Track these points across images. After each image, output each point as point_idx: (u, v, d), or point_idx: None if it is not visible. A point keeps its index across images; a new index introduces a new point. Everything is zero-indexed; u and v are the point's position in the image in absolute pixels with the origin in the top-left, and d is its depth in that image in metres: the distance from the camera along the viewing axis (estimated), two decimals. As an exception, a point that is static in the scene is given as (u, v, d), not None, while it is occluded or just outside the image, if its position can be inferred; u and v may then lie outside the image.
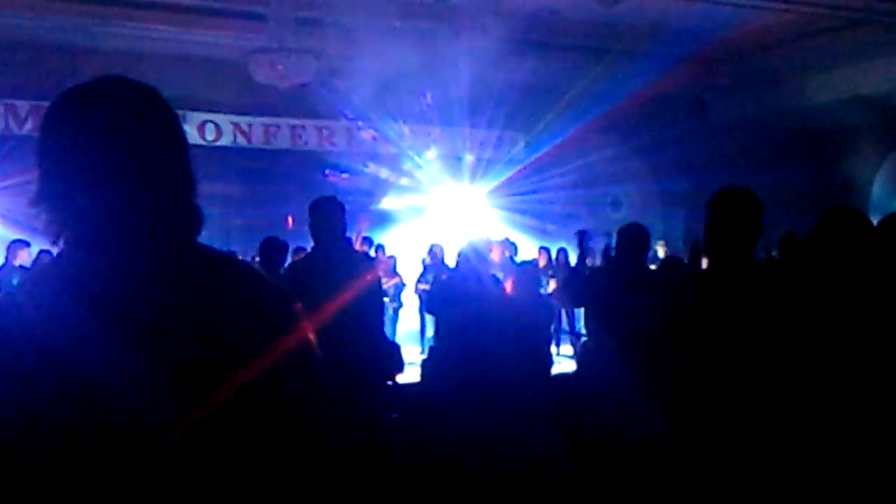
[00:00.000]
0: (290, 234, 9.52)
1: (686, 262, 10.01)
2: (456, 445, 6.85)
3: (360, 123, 17.30)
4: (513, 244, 15.55)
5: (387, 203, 18.27)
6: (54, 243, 1.70)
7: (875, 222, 4.56)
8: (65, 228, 1.68)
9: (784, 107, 17.12)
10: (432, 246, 15.17)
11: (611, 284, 6.73)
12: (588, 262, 8.43)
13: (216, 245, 1.81)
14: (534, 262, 12.66)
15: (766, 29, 15.01)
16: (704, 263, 9.27)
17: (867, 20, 14.26)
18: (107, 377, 1.58)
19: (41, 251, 11.96)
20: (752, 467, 3.81)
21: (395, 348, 8.21)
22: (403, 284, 15.29)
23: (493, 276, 8.46)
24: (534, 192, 18.20)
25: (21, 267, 12.19)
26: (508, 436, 6.89)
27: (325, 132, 17.90)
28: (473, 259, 7.80)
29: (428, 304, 9.83)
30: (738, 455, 3.86)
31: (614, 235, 7.18)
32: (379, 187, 18.12)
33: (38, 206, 1.70)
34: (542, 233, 17.92)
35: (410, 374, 9.17)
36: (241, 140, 17.25)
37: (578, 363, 8.11)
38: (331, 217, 6.11)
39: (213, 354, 1.63)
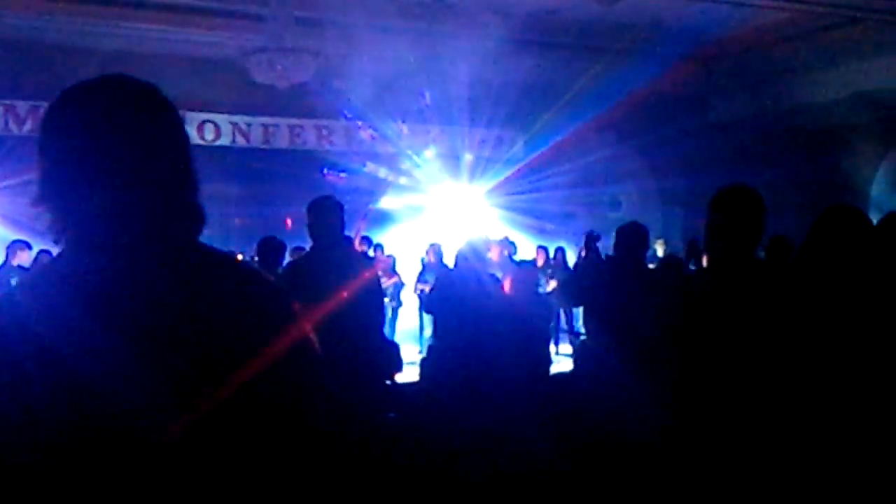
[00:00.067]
0: (289, 234, 9.51)
1: (685, 260, 10.02)
2: (455, 445, 6.85)
3: (358, 123, 17.30)
4: (512, 243, 15.55)
5: (386, 202, 18.26)
6: (56, 243, 1.70)
7: (874, 220, 4.55)
8: (65, 228, 1.68)
9: (783, 105, 17.12)
10: (431, 245, 15.17)
11: (609, 283, 6.73)
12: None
13: (215, 245, 1.81)
14: (532, 262, 12.68)
15: (765, 27, 15.01)
16: (704, 261, 9.28)
17: (866, 18, 14.27)
18: (105, 377, 1.58)
19: (41, 251, 11.95)
20: (751, 467, 3.81)
21: (394, 348, 8.22)
22: (402, 283, 15.29)
23: (492, 275, 8.47)
24: (533, 191, 18.18)
25: (20, 267, 12.19)
26: (507, 435, 6.89)
27: (324, 132, 17.90)
28: (472, 258, 7.80)
29: (426, 303, 9.83)
30: (738, 455, 3.86)
31: (612, 235, 7.17)
32: (378, 187, 18.11)
33: (40, 206, 1.70)
34: (540, 232, 17.92)
35: (409, 374, 9.18)
36: (240, 140, 17.26)
37: (575, 362, 8.11)
38: (329, 216, 6.12)
39: (212, 354, 1.63)
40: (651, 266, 9.89)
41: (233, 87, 15.33)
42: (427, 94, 16.38)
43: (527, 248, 16.38)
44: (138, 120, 1.69)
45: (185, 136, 1.80)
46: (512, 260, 13.59)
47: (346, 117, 17.05)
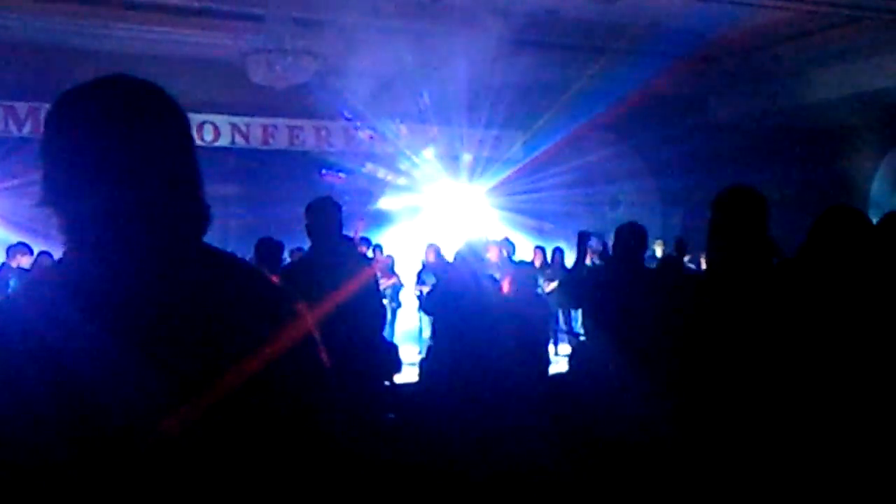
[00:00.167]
0: (288, 235, 9.50)
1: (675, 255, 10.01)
2: (454, 445, 6.84)
3: (357, 123, 17.29)
4: (511, 243, 15.55)
5: (384, 203, 18.26)
6: (62, 244, 1.70)
7: (874, 220, 4.55)
8: (70, 229, 1.68)
9: (783, 105, 17.11)
10: (430, 245, 15.17)
11: (608, 284, 6.73)
12: (588, 261, 8.42)
13: (213, 245, 1.81)
14: (531, 262, 12.67)
15: (764, 27, 15.00)
16: (687, 259, 9.26)
17: (865, 17, 14.27)
18: (107, 379, 1.57)
19: (41, 252, 11.96)
20: (751, 467, 3.81)
21: (393, 348, 8.22)
22: (401, 284, 15.28)
23: (490, 275, 8.47)
24: (532, 191, 18.18)
25: (20, 268, 12.19)
26: (507, 436, 6.88)
27: (323, 132, 17.90)
28: (471, 259, 7.80)
29: (425, 304, 9.83)
30: (737, 455, 3.85)
31: (612, 235, 7.17)
32: (376, 187, 18.11)
33: (44, 207, 1.69)
34: (540, 232, 17.91)
35: (409, 374, 9.17)
36: (240, 140, 17.26)
37: (570, 363, 8.10)
38: (327, 217, 6.12)
39: (216, 355, 1.62)
40: (650, 267, 9.90)
41: (232, 88, 15.33)
42: (426, 95, 16.37)
43: (526, 249, 16.37)
44: (144, 120, 1.69)
45: (191, 136, 1.79)
46: (511, 260, 13.58)
47: (345, 118, 17.05)
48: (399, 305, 15.14)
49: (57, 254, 1.74)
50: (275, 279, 1.83)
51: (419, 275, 14.96)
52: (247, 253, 8.46)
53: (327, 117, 17.17)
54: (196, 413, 1.59)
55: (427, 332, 13.27)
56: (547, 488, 6.18)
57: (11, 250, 12.62)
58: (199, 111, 15.40)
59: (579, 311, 10.00)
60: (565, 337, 14.21)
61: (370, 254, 14.19)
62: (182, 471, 1.60)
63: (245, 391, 1.62)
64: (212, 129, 16.64)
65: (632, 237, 6.78)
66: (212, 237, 1.77)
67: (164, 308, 1.64)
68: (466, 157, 18.70)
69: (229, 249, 1.83)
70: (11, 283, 11.75)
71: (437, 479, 6.49)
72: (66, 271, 1.70)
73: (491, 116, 17.09)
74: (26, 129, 15.20)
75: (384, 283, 13.03)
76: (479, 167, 18.72)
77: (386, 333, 10.24)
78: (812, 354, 3.81)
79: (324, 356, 1.77)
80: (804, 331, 3.86)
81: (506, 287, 8.47)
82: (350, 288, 5.71)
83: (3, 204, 14.51)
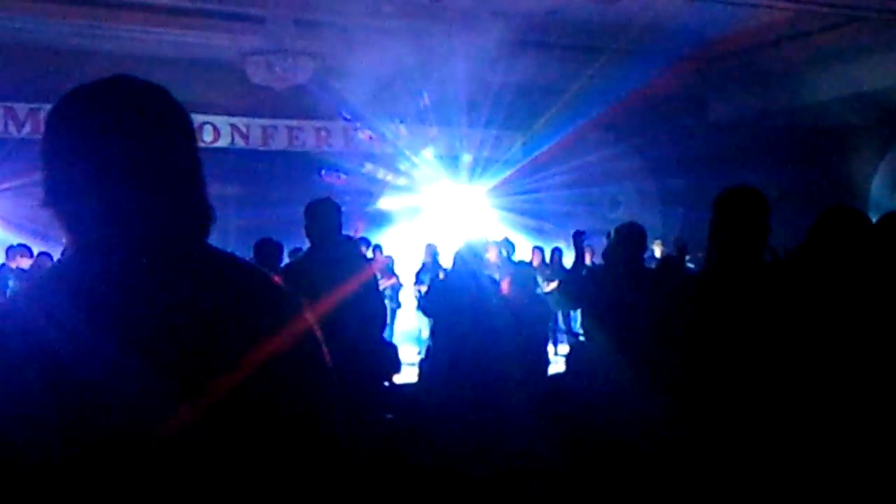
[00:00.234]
0: (287, 235, 9.51)
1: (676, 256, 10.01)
2: (453, 446, 6.84)
3: (357, 124, 17.30)
4: (511, 244, 15.54)
5: (384, 203, 18.26)
6: (65, 245, 1.70)
7: (874, 220, 4.55)
8: (71, 230, 1.68)
9: (782, 105, 17.12)
10: (427, 246, 15.18)
11: (607, 284, 6.72)
12: (588, 261, 8.43)
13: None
14: (529, 262, 12.66)
15: (764, 27, 15.01)
16: (687, 259, 9.25)
17: (864, 17, 14.27)
18: (107, 380, 1.57)
19: (41, 253, 11.96)
20: (749, 467, 3.81)
21: (392, 349, 8.21)
22: (401, 284, 15.28)
23: (490, 276, 8.47)
24: (532, 191, 18.19)
25: (19, 269, 12.20)
26: (506, 436, 6.88)
27: (323, 133, 17.90)
28: (470, 260, 7.80)
29: (423, 305, 9.83)
30: (736, 455, 3.85)
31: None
32: (376, 187, 18.11)
33: (46, 208, 1.69)
34: (539, 232, 17.91)
35: (408, 375, 9.17)
36: (239, 141, 17.26)
37: (568, 362, 8.10)
38: (326, 218, 6.12)
39: (217, 355, 1.62)
40: (650, 267, 9.89)
41: (231, 89, 15.34)
42: (425, 95, 16.37)
43: (526, 249, 16.38)
44: (146, 121, 1.68)
45: (194, 137, 1.79)
46: (510, 260, 13.58)
47: (344, 118, 17.05)
48: (398, 306, 15.13)
49: (56, 254, 1.74)
50: (277, 279, 1.82)
51: (417, 275, 14.96)
52: (246, 253, 8.46)
53: (327, 118, 17.19)
54: (197, 413, 1.59)
55: (425, 333, 13.27)
56: (546, 489, 6.18)
57: (11, 251, 12.63)
58: (198, 112, 15.37)
59: (578, 312, 10.00)
60: (565, 337, 14.22)
61: (370, 254, 14.18)
62: (183, 471, 1.60)
63: (246, 391, 1.62)
64: (211, 130, 16.64)
65: (631, 237, 6.78)
66: (211, 238, 1.77)
67: (165, 308, 1.64)
68: (466, 158, 18.70)
69: (229, 250, 1.83)
70: (10, 283, 11.76)
71: (436, 480, 6.49)
72: (67, 272, 1.70)
73: (490, 117, 17.09)
74: (26, 130, 15.20)
75: (384, 284, 13.02)
76: (479, 167, 18.73)
77: (385, 334, 10.26)
78: (812, 354, 3.81)
79: (326, 355, 1.77)
80: (804, 331, 3.86)
81: (505, 287, 8.47)
82: (348, 288, 5.71)
83: (2, 205, 14.51)
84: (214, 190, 1.79)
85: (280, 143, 17.64)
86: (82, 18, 13.42)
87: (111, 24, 13.62)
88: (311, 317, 1.77)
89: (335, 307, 5.16)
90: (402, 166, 18.16)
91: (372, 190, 17.95)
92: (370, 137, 17.63)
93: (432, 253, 14.92)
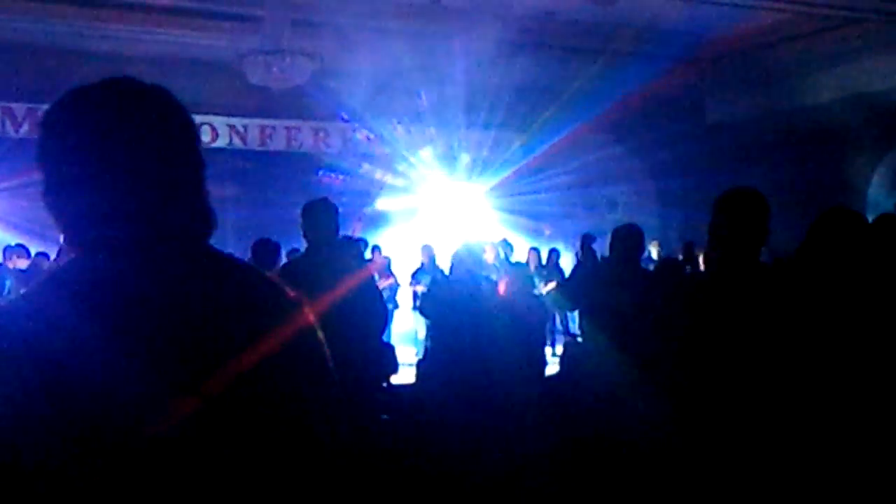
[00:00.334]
0: (285, 236, 9.51)
1: (682, 262, 10.03)
2: (450, 447, 6.84)
3: (355, 125, 17.30)
4: (509, 245, 15.54)
5: (382, 204, 18.27)
6: (62, 245, 1.69)
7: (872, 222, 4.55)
8: (69, 231, 1.67)
9: (780, 106, 17.11)
10: (424, 247, 15.18)
11: (605, 285, 6.73)
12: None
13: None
14: (526, 264, 12.65)
15: (762, 29, 15.02)
16: (701, 263, 9.24)
17: (864, 19, 14.27)
18: (106, 381, 1.57)
19: (38, 253, 11.96)
20: (747, 468, 3.81)
21: (390, 350, 8.21)
22: (398, 285, 15.28)
23: (487, 277, 8.47)
24: (530, 192, 18.20)
25: (17, 270, 12.19)
26: (503, 437, 6.88)
27: (321, 133, 17.90)
28: (468, 261, 7.79)
29: (421, 306, 9.83)
30: (735, 456, 3.85)
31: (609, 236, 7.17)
32: (374, 188, 18.12)
33: (45, 210, 1.68)
34: (538, 233, 17.92)
35: (406, 376, 9.17)
36: (237, 142, 17.26)
37: (562, 363, 8.11)
38: (323, 218, 6.11)
39: (217, 356, 1.62)
40: (647, 268, 9.90)
41: (229, 90, 15.34)
42: (423, 96, 16.38)
43: (524, 250, 16.38)
44: (148, 121, 1.68)
45: (195, 138, 1.79)
46: (508, 261, 13.58)
47: (342, 119, 17.06)
48: (396, 306, 15.13)
49: (53, 254, 1.74)
50: (276, 279, 1.82)
51: (414, 275, 14.96)
52: (244, 254, 8.45)
53: (325, 118, 17.20)
54: (197, 413, 1.59)
55: (422, 334, 13.27)
56: (543, 489, 6.18)
57: (8, 251, 12.62)
58: (196, 112, 15.19)
59: (576, 313, 10.00)
60: (562, 338, 14.22)
61: (368, 254, 14.18)
62: (183, 470, 1.60)
63: (246, 390, 1.62)
64: (209, 131, 16.64)
65: (629, 239, 6.78)
66: (209, 238, 1.77)
67: (165, 309, 1.64)
68: (464, 158, 18.71)
69: (226, 250, 1.83)
70: (8, 283, 11.75)
71: (432, 481, 6.48)
72: (67, 273, 1.70)
73: (489, 117, 17.10)
74: (24, 130, 15.21)
75: (381, 284, 13.02)
76: (477, 168, 18.73)
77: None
78: (810, 355, 3.81)
79: (327, 355, 1.76)
80: (802, 332, 3.86)
81: (502, 288, 8.47)
82: (345, 289, 5.70)
83: (0, 205, 14.52)
84: (212, 190, 1.78)
85: (278, 143, 17.65)
86: (80, 19, 13.41)
87: (109, 25, 13.62)
88: (311, 316, 1.76)
89: (332, 307, 5.15)
90: (400, 167, 18.16)
91: (370, 190, 17.96)
92: (368, 138, 17.64)
93: (429, 254, 14.92)
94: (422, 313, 10.43)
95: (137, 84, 1.72)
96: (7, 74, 14.48)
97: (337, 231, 6.25)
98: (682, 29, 14.27)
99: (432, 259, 14.64)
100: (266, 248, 8.30)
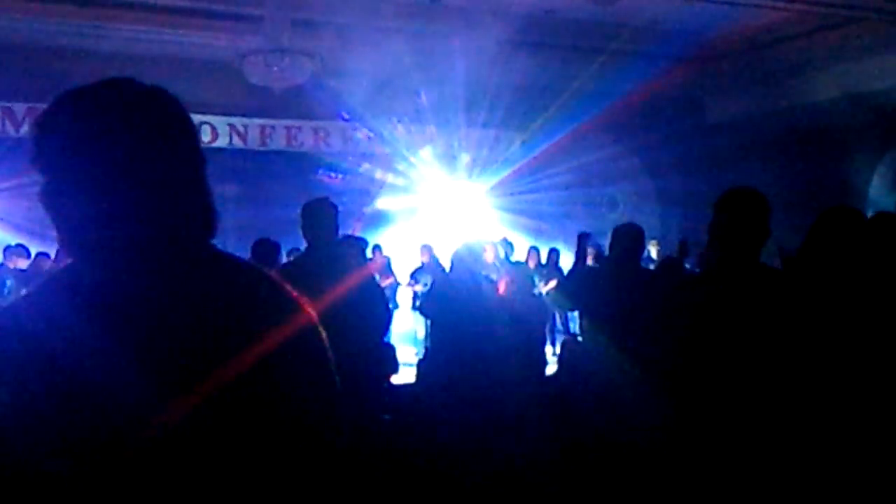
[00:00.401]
0: (285, 235, 9.51)
1: (677, 255, 10.03)
2: (451, 447, 6.84)
3: (355, 124, 17.30)
4: (509, 244, 15.54)
5: (382, 203, 18.26)
6: (59, 246, 1.69)
7: (871, 222, 4.55)
8: (68, 231, 1.67)
9: (780, 106, 17.11)
10: (423, 246, 15.18)
11: (605, 285, 6.72)
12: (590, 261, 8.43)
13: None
14: (525, 263, 12.64)
15: (762, 28, 15.00)
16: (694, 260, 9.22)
17: (864, 18, 14.26)
18: (106, 381, 1.58)
19: (38, 254, 11.95)
20: (746, 467, 3.81)
21: (390, 349, 8.20)
22: (398, 284, 15.27)
23: (487, 276, 8.46)
24: (530, 191, 18.20)
25: (17, 270, 12.19)
26: (504, 437, 6.88)
27: (321, 133, 17.89)
28: (468, 260, 7.79)
29: (421, 306, 9.83)
30: (734, 455, 3.85)
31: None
32: (374, 187, 18.11)
33: (44, 210, 1.68)
34: (538, 233, 17.91)
35: (406, 376, 9.17)
36: (237, 141, 17.26)
37: (560, 362, 8.11)
38: (322, 218, 6.11)
39: (218, 356, 1.62)
40: (647, 267, 9.89)
41: (229, 89, 15.34)
42: (424, 95, 16.37)
43: (524, 249, 16.38)
44: (149, 122, 1.68)
45: (196, 138, 1.79)
46: (508, 261, 13.57)
47: (342, 118, 17.05)
48: (396, 306, 15.13)
49: (53, 254, 1.74)
50: (278, 279, 1.82)
51: (413, 275, 14.96)
52: (244, 253, 8.46)
53: (325, 118, 17.18)
54: (199, 413, 1.59)
55: (421, 333, 13.27)
56: (543, 489, 6.18)
57: (8, 251, 12.62)
58: (196, 112, 15.20)
59: (576, 312, 10.00)
60: (562, 338, 14.22)
61: (369, 254, 14.17)
62: (184, 470, 1.60)
63: (247, 390, 1.63)
64: (209, 130, 16.63)
65: (629, 238, 6.78)
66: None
67: (165, 310, 1.64)
68: (464, 158, 18.71)
69: (226, 250, 1.83)
70: (8, 283, 11.75)
71: (433, 481, 6.48)
72: (68, 275, 1.70)
73: (489, 117, 17.10)
74: (24, 130, 15.18)
75: (381, 283, 13.02)
76: (477, 167, 18.73)
77: (382, 334, 10.24)
78: (810, 355, 3.81)
79: (329, 354, 1.77)
80: (802, 331, 3.86)
81: (502, 288, 8.47)
82: (344, 288, 5.70)
83: (0, 205, 14.51)
84: (212, 190, 1.78)
85: (278, 143, 17.65)
86: (80, 18, 13.40)
87: (109, 24, 13.61)
88: (313, 316, 1.77)
89: (331, 307, 5.15)
90: (401, 166, 18.16)
91: (370, 190, 17.95)
92: (368, 137, 17.63)
93: (428, 253, 14.92)
94: (422, 313, 10.43)
95: (136, 84, 1.72)
96: (7, 74, 14.46)
97: (337, 231, 6.25)
98: (683, 28, 14.26)
99: (432, 258, 14.64)
100: (266, 248, 8.30)
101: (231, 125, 17.09)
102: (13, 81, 14.63)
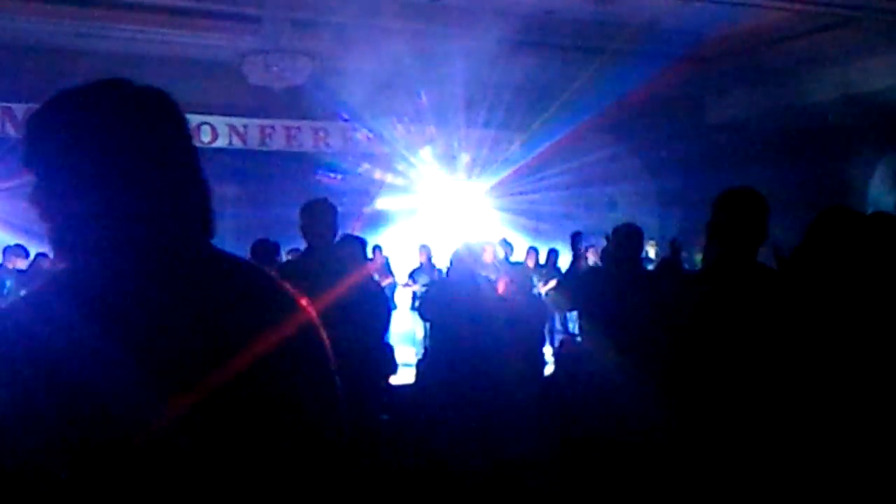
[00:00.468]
0: (285, 236, 9.51)
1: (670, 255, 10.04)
2: (449, 447, 6.84)
3: (355, 124, 17.29)
4: (509, 244, 15.53)
5: (382, 203, 18.25)
6: (56, 249, 1.69)
7: (870, 222, 4.54)
8: (64, 232, 1.67)
9: (780, 106, 17.10)
10: (422, 246, 15.16)
11: (605, 284, 6.73)
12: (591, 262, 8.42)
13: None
14: (524, 263, 12.63)
15: (762, 28, 14.99)
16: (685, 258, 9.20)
17: (862, 18, 14.26)
18: (106, 382, 1.57)
19: (38, 254, 11.94)
20: (745, 467, 3.81)
21: (389, 350, 8.20)
22: (396, 283, 15.26)
23: (486, 277, 8.46)
24: (530, 191, 18.19)
25: (16, 270, 12.18)
26: (503, 437, 6.88)
27: (321, 133, 17.89)
28: (467, 260, 7.79)
29: (420, 307, 9.82)
30: (733, 455, 3.85)
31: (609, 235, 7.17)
32: (374, 188, 18.10)
33: (38, 212, 1.68)
34: (537, 233, 17.90)
35: (405, 376, 9.16)
36: (237, 142, 17.25)
37: (557, 361, 8.11)
38: (322, 218, 6.11)
39: (218, 356, 1.62)
40: (646, 267, 9.88)
41: (229, 89, 15.33)
42: (423, 95, 16.36)
43: (524, 250, 16.37)
44: (143, 122, 1.68)
45: (190, 139, 1.79)
46: (508, 261, 13.57)
47: (342, 118, 17.04)
48: (394, 307, 15.11)
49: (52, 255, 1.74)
50: (281, 280, 1.82)
51: (411, 275, 14.95)
52: (243, 254, 8.46)
53: (325, 118, 17.18)
54: (197, 413, 1.59)
55: (420, 334, 13.25)
56: (543, 489, 6.18)
57: (7, 252, 12.61)
58: (196, 112, 15.35)
59: (575, 313, 10.00)
60: (561, 337, 14.21)
61: (369, 254, 14.15)
62: (185, 470, 1.60)
63: (247, 389, 1.62)
64: (209, 131, 16.63)
65: (629, 238, 6.79)
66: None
67: (165, 310, 1.64)
68: (464, 158, 18.70)
69: (226, 250, 1.83)
70: (7, 283, 11.75)
71: (432, 481, 6.49)
72: (67, 275, 1.70)
73: (489, 117, 17.09)
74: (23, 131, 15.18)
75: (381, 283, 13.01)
76: (477, 167, 18.72)
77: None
78: (808, 355, 3.81)
79: (329, 354, 1.76)
80: (801, 332, 3.86)
81: (501, 288, 8.46)
82: (343, 288, 5.69)
83: (0, 205, 14.50)
84: (212, 190, 1.78)
85: (278, 143, 17.64)
86: (80, 19, 13.40)
87: (109, 25, 13.61)
88: (313, 315, 1.76)
89: (331, 307, 5.14)
90: (400, 166, 18.15)
91: (370, 190, 17.93)
92: (368, 137, 17.62)
93: (427, 253, 14.90)
94: (420, 314, 10.42)
95: (130, 84, 1.72)
96: (7, 74, 14.46)
97: (336, 231, 6.25)
98: (682, 28, 14.25)
99: (430, 259, 14.63)
100: (265, 248, 8.30)
101: (231, 125, 17.09)
102: (13, 81, 14.62)
